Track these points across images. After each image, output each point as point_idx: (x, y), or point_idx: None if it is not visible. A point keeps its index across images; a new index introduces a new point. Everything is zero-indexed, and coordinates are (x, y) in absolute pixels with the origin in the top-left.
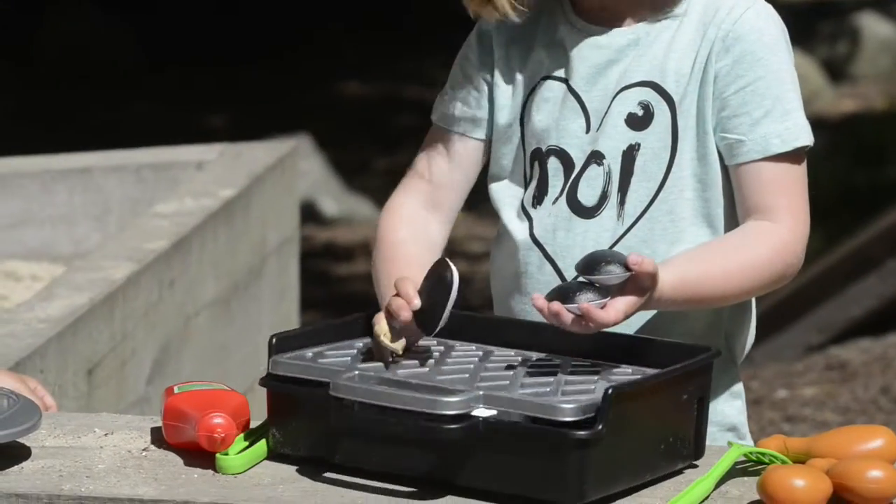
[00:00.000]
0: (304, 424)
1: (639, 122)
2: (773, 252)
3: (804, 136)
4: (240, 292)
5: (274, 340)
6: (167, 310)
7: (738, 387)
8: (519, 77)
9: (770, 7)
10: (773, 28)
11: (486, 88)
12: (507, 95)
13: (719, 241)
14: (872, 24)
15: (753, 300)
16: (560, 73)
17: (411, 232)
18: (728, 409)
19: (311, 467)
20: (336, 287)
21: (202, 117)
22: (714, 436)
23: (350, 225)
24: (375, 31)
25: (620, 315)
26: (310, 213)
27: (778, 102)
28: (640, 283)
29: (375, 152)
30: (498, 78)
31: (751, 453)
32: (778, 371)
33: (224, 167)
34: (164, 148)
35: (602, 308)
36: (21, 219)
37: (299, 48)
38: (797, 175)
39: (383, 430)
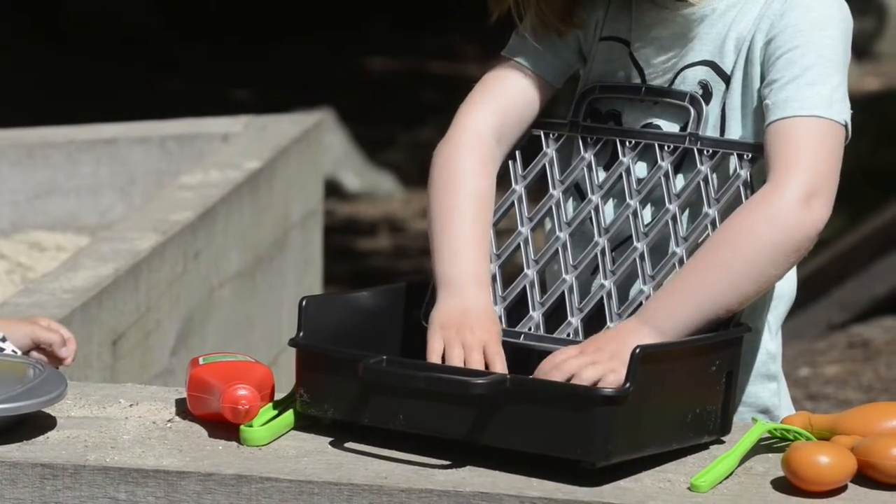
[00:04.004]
0: (334, 384)
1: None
2: (755, 235)
3: (827, 109)
4: (264, 265)
5: (304, 303)
6: (192, 281)
7: (774, 368)
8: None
9: None
10: (825, 8)
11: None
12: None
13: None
14: None
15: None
16: (622, 34)
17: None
18: (762, 391)
19: (336, 440)
20: (358, 262)
21: (228, 91)
22: (744, 415)
23: (372, 200)
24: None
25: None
26: (332, 188)
27: (808, 72)
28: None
29: (399, 127)
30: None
31: (776, 430)
32: (800, 349)
33: (249, 139)
34: (190, 120)
35: None
36: (47, 189)
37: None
38: (816, 140)
39: (412, 385)
